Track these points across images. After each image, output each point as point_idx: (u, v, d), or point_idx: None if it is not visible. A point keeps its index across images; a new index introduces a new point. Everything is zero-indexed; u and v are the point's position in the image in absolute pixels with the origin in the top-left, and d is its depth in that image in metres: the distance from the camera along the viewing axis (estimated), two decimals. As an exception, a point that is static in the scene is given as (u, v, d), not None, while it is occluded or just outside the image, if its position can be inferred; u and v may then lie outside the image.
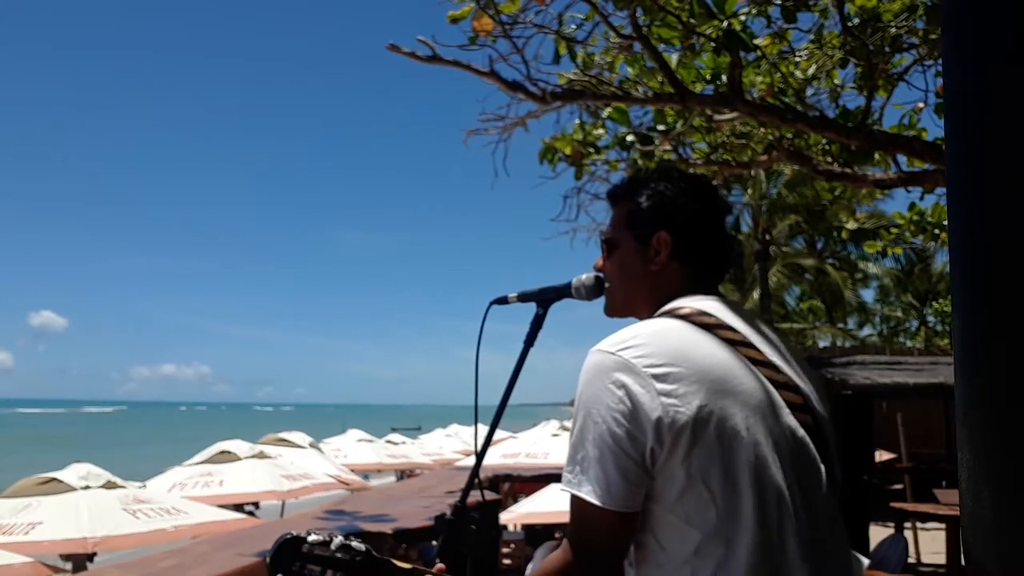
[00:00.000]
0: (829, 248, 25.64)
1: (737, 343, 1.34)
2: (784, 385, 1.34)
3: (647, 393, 1.24)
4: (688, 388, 1.24)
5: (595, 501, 1.25)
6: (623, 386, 1.25)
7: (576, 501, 1.29)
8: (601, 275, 1.58)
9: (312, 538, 1.33)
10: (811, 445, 1.33)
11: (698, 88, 4.49)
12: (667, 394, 1.24)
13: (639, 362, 1.26)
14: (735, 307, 1.45)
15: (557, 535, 8.05)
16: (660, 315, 1.41)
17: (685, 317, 1.37)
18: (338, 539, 1.34)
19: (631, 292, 1.53)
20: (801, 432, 1.32)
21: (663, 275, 1.48)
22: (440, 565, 1.42)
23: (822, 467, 1.34)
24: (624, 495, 1.25)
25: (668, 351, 1.28)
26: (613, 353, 1.29)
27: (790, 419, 1.32)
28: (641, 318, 1.47)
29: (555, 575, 1.33)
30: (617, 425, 1.24)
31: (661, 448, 1.23)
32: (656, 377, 1.25)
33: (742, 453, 1.24)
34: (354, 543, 1.34)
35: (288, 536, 1.33)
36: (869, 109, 4.51)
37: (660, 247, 1.48)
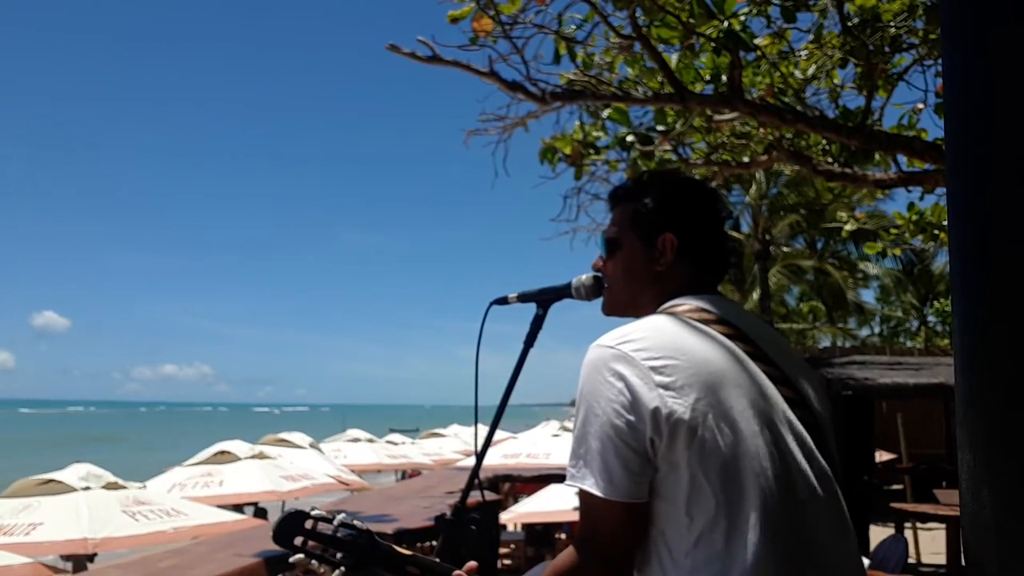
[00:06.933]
0: (829, 248, 25.62)
1: (733, 338, 1.36)
2: (780, 380, 1.36)
3: (645, 384, 1.26)
4: (686, 380, 1.27)
5: (598, 493, 1.27)
6: (622, 378, 1.28)
7: (582, 495, 1.30)
8: (600, 275, 1.59)
9: (315, 513, 1.36)
10: (808, 439, 1.34)
11: (698, 88, 4.49)
12: (665, 386, 1.26)
13: (638, 355, 1.29)
14: (732, 305, 1.48)
15: (557, 535, 8.04)
16: (659, 312, 1.44)
17: (683, 313, 1.40)
18: (340, 516, 1.37)
19: (635, 292, 1.55)
20: (799, 426, 1.34)
21: (667, 276, 1.51)
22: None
23: (822, 460, 1.35)
24: (627, 485, 1.26)
25: (666, 345, 1.31)
26: (612, 347, 1.32)
27: (787, 413, 1.34)
28: (641, 317, 1.48)
29: (565, 571, 1.33)
30: (617, 416, 1.27)
31: (660, 439, 1.25)
32: (654, 369, 1.27)
33: (739, 444, 1.26)
34: (357, 523, 1.36)
35: (293, 511, 1.36)
36: (869, 109, 4.52)
37: (665, 248, 1.50)
